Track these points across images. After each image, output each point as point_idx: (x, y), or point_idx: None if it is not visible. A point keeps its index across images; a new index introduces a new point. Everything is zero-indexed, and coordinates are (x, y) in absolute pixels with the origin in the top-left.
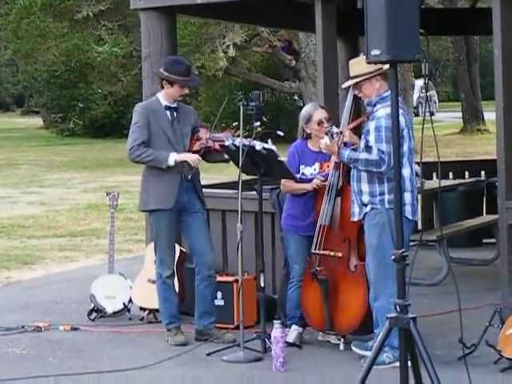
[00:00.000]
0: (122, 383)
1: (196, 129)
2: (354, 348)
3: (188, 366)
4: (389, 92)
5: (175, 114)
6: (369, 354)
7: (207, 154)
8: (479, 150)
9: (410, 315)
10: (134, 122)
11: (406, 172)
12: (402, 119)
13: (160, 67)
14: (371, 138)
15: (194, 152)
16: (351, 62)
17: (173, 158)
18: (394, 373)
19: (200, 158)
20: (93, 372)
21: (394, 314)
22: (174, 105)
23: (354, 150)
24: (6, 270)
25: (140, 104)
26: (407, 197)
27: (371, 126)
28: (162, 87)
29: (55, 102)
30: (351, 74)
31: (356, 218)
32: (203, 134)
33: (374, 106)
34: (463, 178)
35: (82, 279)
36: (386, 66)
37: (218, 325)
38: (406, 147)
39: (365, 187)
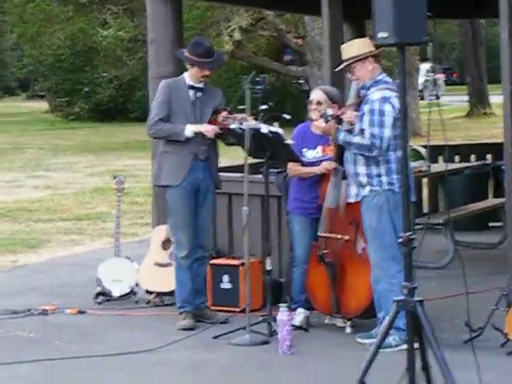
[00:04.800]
0: (128, 366)
1: (218, 111)
2: (358, 340)
3: (194, 350)
4: (382, 75)
5: (199, 94)
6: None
7: (224, 137)
8: (485, 133)
9: (417, 298)
10: (157, 96)
11: (400, 154)
12: (396, 102)
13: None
14: (364, 121)
15: None
16: (342, 46)
17: (189, 129)
18: (401, 356)
19: (218, 129)
20: (99, 355)
21: (401, 297)
22: (200, 85)
23: (349, 131)
24: (12, 254)
25: (165, 80)
26: None
27: (365, 109)
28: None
29: (60, 86)
30: (343, 57)
31: (353, 200)
32: (220, 116)
33: (368, 89)
34: (469, 161)
35: (88, 263)
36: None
37: (224, 308)
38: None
39: (361, 169)
